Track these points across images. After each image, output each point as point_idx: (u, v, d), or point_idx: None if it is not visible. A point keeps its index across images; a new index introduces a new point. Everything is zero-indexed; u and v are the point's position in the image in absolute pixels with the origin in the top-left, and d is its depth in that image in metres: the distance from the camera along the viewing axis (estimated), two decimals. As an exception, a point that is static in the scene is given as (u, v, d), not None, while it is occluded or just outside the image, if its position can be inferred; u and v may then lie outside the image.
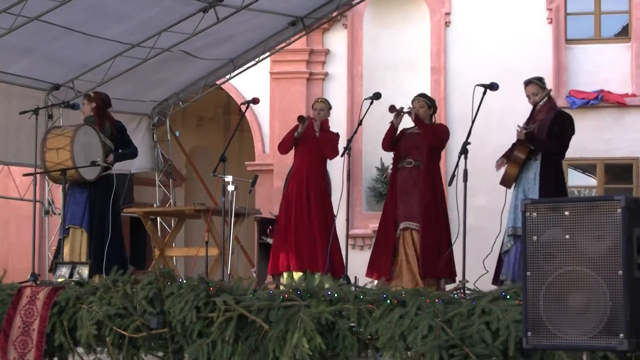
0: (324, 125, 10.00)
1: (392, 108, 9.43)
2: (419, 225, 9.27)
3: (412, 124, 9.59)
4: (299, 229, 9.72)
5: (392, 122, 9.51)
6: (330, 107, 10.16)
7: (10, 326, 7.61)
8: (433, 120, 9.67)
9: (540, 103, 8.94)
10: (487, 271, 8.18)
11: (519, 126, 8.78)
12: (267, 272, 10.11)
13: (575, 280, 4.85)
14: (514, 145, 8.95)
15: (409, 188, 9.40)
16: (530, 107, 9.14)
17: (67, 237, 9.66)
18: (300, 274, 9.53)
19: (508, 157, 8.94)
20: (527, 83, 9.05)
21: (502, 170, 9.03)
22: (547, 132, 8.78)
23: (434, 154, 9.48)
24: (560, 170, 8.99)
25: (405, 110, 9.48)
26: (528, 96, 9.03)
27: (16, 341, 7.56)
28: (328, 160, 10.35)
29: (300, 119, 9.84)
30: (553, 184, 8.81)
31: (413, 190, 9.37)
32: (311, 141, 9.83)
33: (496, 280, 8.85)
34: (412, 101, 9.61)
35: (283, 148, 10.05)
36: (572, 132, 9.01)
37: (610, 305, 4.72)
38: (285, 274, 9.76)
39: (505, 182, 8.94)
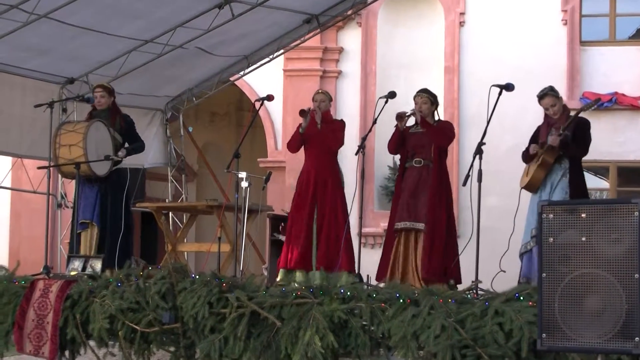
0: (327, 116, 9.95)
1: (399, 116, 9.40)
2: (425, 226, 9.23)
3: (415, 121, 9.54)
4: (308, 225, 9.69)
5: (397, 125, 9.47)
6: (330, 98, 10.08)
7: (24, 319, 7.63)
8: (436, 116, 9.60)
9: (560, 112, 8.99)
10: (504, 271, 8.15)
11: (550, 136, 8.76)
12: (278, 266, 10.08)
13: (591, 283, 4.85)
14: (542, 145, 8.94)
15: (418, 187, 9.37)
16: (541, 109, 9.16)
17: (84, 231, 9.68)
18: (301, 271, 9.57)
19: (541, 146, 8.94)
20: (543, 96, 9.04)
21: (519, 167, 9.04)
22: (571, 138, 8.81)
23: (442, 152, 9.44)
24: (582, 174, 9.07)
25: (408, 113, 9.44)
26: (546, 109, 9.02)
27: (31, 334, 7.58)
28: (340, 158, 10.34)
29: (302, 112, 9.81)
30: (582, 186, 8.92)
31: (422, 189, 9.34)
32: (316, 136, 9.79)
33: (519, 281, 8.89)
34: (415, 97, 9.53)
35: (291, 147, 10.01)
36: (590, 135, 9.07)
37: (626, 308, 4.72)
38: (281, 270, 9.75)
39: (531, 186, 8.95)
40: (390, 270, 9.29)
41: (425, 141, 9.41)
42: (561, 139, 8.72)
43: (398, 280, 9.07)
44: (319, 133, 9.77)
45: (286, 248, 9.79)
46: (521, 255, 8.97)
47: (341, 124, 9.99)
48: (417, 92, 9.59)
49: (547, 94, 9.00)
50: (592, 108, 8.83)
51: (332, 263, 9.39)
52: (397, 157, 14.05)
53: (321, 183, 9.74)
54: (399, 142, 9.53)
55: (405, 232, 9.36)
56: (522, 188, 9.04)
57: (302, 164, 11.64)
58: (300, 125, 9.83)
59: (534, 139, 9.21)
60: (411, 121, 9.58)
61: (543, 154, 8.85)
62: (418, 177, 9.40)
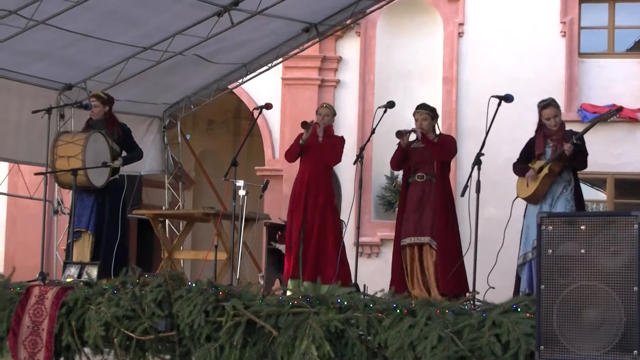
0: (329, 130, 9.94)
1: (398, 134, 9.39)
2: (435, 242, 9.19)
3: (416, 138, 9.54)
4: (298, 236, 9.69)
5: (399, 143, 9.46)
6: (334, 113, 10.09)
7: (19, 325, 7.59)
8: (437, 130, 9.59)
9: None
10: (493, 287, 8.13)
11: (566, 143, 8.72)
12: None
13: (589, 295, 4.84)
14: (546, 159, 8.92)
15: (422, 202, 9.34)
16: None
17: (77, 240, 9.66)
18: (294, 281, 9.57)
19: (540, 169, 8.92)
20: (546, 106, 8.95)
21: (513, 182, 9.01)
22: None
23: (445, 166, 9.43)
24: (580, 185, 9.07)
25: (409, 130, 9.43)
26: (547, 118, 8.96)
27: (25, 341, 7.55)
28: (338, 167, 10.33)
29: (304, 124, 9.79)
30: (582, 198, 8.94)
31: (426, 204, 9.31)
32: (314, 147, 9.79)
33: (517, 293, 8.85)
34: (414, 114, 9.54)
35: (290, 156, 10.01)
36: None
37: (625, 320, 4.71)
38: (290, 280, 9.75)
39: (534, 197, 8.90)
40: (404, 284, 9.28)
41: (427, 156, 9.39)
42: (574, 148, 8.68)
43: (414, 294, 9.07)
44: (319, 145, 9.76)
45: (286, 258, 9.81)
46: (520, 266, 8.92)
47: (341, 140, 9.98)
48: (416, 108, 9.58)
49: (550, 104, 8.95)
50: (612, 118, 8.80)
51: (319, 274, 9.37)
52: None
53: (313, 194, 9.73)
54: (401, 159, 9.52)
55: (410, 247, 9.35)
56: (523, 199, 8.99)
57: (298, 172, 11.60)
58: (300, 135, 9.81)
59: (527, 151, 9.17)
60: (413, 135, 9.56)
61: (550, 164, 8.80)
62: (422, 192, 9.38)
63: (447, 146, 9.45)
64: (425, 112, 9.49)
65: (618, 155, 14.30)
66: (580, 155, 8.77)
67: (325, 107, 10.09)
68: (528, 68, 14.36)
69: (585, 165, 8.93)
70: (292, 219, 9.82)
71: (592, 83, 14.69)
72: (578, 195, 8.92)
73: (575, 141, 8.66)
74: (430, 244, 9.24)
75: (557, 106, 9.00)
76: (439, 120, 9.84)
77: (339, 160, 9.88)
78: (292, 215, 9.85)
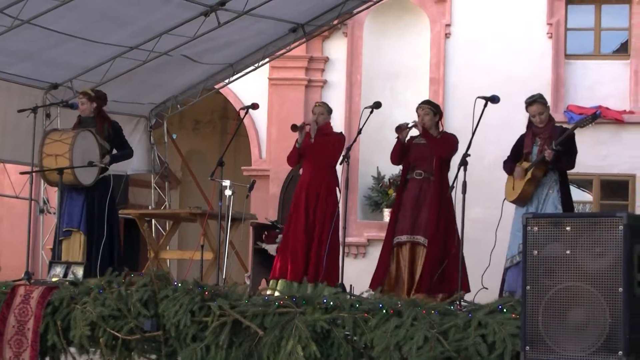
0: (326, 128, 9.90)
1: (397, 129, 9.36)
2: (426, 240, 9.18)
3: (418, 133, 9.50)
4: (296, 237, 9.66)
5: (398, 137, 9.43)
6: (330, 110, 10.02)
7: (4, 325, 7.58)
8: (440, 127, 9.56)
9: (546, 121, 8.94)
10: (486, 288, 8.14)
11: (545, 148, 8.71)
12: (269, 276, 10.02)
13: (575, 296, 4.85)
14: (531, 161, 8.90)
15: (419, 200, 9.31)
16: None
17: (66, 239, 9.64)
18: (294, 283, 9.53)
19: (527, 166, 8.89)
20: (531, 102, 8.93)
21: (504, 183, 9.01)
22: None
23: (444, 165, 9.35)
24: (569, 186, 9.05)
25: (410, 124, 9.40)
26: (533, 115, 8.95)
27: (11, 340, 7.53)
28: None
29: (294, 127, 9.74)
30: (570, 200, 8.89)
31: (423, 202, 9.28)
32: (309, 148, 9.75)
33: (501, 295, 8.83)
34: (417, 109, 9.48)
35: (290, 161, 9.95)
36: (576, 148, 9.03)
37: (610, 322, 4.72)
38: (280, 281, 9.70)
39: (520, 200, 8.89)
40: (386, 281, 9.24)
41: (426, 153, 9.34)
42: (555, 154, 8.68)
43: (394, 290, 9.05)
44: (313, 146, 9.71)
45: (281, 259, 9.74)
46: (506, 269, 8.91)
47: (339, 137, 9.89)
48: (420, 103, 9.53)
49: (536, 101, 8.92)
50: (590, 125, 8.75)
51: (321, 275, 9.36)
52: (382, 167, 14.22)
53: (313, 196, 9.68)
54: (401, 153, 9.46)
55: (403, 245, 9.32)
56: (510, 202, 8.99)
57: (286, 173, 11.64)
58: (297, 140, 9.77)
59: (517, 148, 9.17)
60: (415, 132, 9.53)
61: (533, 168, 8.80)
62: (418, 190, 9.33)
63: (447, 143, 9.37)
64: (428, 107, 9.45)
65: (604, 157, 14.33)
66: (564, 157, 8.75)
67: (319, 105, 10.03)
68: (515, 69, 14.37)
69: (572, 166, 8.89)
70: (294, 220, 9.76)
71: (578, 84, 14.73)
72: (566, 196, 8.90)
73: (554, 147, 8.66)
74: (424, 244, 9.21)
75: (543, 103, 8.96)
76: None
77: (338, 156, 9.64)
78: (293, 217, 9.79)
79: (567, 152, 8.79)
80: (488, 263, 8.26)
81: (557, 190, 8.80)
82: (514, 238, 8.81)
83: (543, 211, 8.69)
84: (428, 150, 9.33)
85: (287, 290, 9.18)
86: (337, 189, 9.80)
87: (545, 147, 8.72)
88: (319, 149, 9.71)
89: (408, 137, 9.47)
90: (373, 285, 9.15)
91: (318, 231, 9.60)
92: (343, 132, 10.28)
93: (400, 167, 9.75)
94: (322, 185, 9.69)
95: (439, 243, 9.09)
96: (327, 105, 10.10)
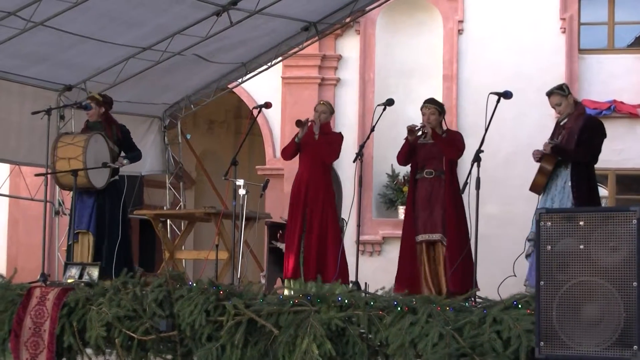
0: (326, 128, 9.90)
1: (410, 130, 9.31)
2: (446, 239, 9.13)
3: (424, 134, 9.47)
4: (298, 235, 9.69)
5: (407, 138, 9.41)
6: (332, 110, 10.05)
7: (21, 327, 7.60)
8: (444, 126, 9.55)
9: (568, 111, 8.81)
10: (516, 275, 8.10)
11: (546, 142, 8.64)
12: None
13: (589, 291, 4.83)
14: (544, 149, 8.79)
15: (431, 199, 9.29)
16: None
17: (76, 242, 9.67)
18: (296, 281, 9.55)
19: (542, 157, 8.76)
20: (549, 94, 8.81)
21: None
22: (576, 141, 8.58)
23: (453, 162, 9.33)
24: (592, 176, 8.75)
25: (418, 127, 9.37)
26: (553, 107, 8.88)
27: (27, 342, 7.55)
28: (339, 166, 10.31)
29: (299, 123, 9.77)
30: (586, 189, 8.61)
31: (435, 201, 9.26)
32: (311, 145, 9.77)
33: None
34: (422, 108, 9.46)
35: (285, 154, 10.01)
36: (603, 136, 8.81)
37: (625, 316, 4.70)
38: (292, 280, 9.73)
39: (535, 189, 8.82)
40: (417, 281, 9.22)
41: (435, 152, 9.30)
42: (552, 146, 8.61)
43: (425, 291, 9.01)
44: (315, 143, 9.74)
45: (285, 257, 9.78)
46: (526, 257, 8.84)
47: (339, 137, 9.93)
48: (424, 102, 9.49)
49: (554, 92, 8.78)
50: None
51: (321, 273, 9.34)
52: (397, 164, 14.19)
53: (312, 193, 9.70)
54: (409, 154, 9.45)
55: (422, 243, 9.31)
56: (529, 190, 8.89)
57: (299, 171, 11.54)
58: (297, 134, 9.80)
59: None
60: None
61: (541, 160, 8.74)
62: (430, 189, 9.31)
63: (455, 143, 9.34)
64: (434, 106, 9.40)
65: (619, 151, 14.26)
66: (569, 150, 8.61)
67: (321, 104, 10.06)
68: (528, 65, 14.33)
69: (582, 157, 8.61)
70: (292, 218, 9.81)
71: (592, 79, 14.66)
72: (585, 189, 8.67)
73: (549, 141, 8.59)
74: (442, 241, 9.18)
75: (561, 93, 8.77)
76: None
77: (335, 157, 9.80)
78: (291, 214, 9.84)
79: (583, 142, 8.65)
80: (523, 250, 8.18)
81: (569, 184, 8.69)
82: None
83: (557, 203, 8.57)
84: (436, 149, 9.31)
85: (300, 288, 9.19)
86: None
87: (567, 135, 8.61)
88: (321, 147, 9.73)
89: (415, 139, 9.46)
90: (400, 287, 9.07)
91: (318, 229, 9.61)
92: (356, 130, 10.25)
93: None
94: (321, 182, 9.71)
95: (460, 241, 9.06)
96: (331, 105, 10.13)
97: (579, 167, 8.65)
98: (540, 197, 8.81)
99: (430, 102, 9.50)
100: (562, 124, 8.81)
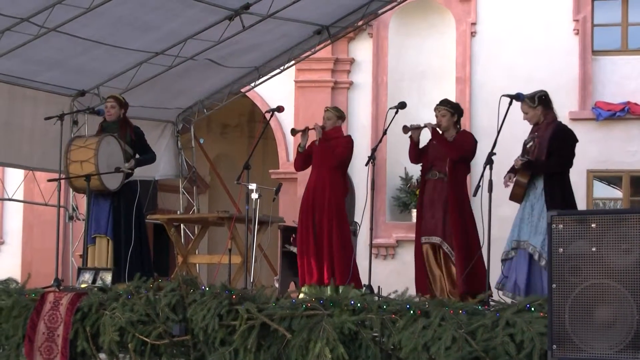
0: (333, 132, 9.86)
1: (404, 129, 9.31)
2: (442, 241, 9.16)
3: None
4: (305, 241, 9.69)
5: (410, 136, 9.41)
6: (339, 115, 9.95)
7: (34, 332, 7.62)
8: (459, 127, 9.50)
9: (535, 120, 8.77)
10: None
11: (517, 158, 8.60)
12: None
13: (601, 293, 4.82)
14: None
15: (434, 201, 9.28)
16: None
17: (93, 245, 9.69)
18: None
19: (515, 172, 8.74)
20: (521, 100, 8.51)
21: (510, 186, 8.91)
22: (546, 151, 8.54)
23: (458, 165, 9.23)
24: (565, 185, 8.65)
25: (422, 126, 9.35)
26: (523, 112, 8.83)
27: (41, 347, 7.57)
28: (351, 169, 10.29)
29: (293, 131, 9.82)
30: (559, 200, 8.48)
31: (437, 203, 9.25)
32: (316, 152, 9.79)
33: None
34: (434, 110, 9.46)
35: (296, 166, 10.08)
36: (573, 142, 8.74)
37: (637, 319, 4.68)
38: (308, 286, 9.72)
39: (514, 198, 8.79)
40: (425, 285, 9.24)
41: (442, 153, 9.28)
42: (522, 163, 8.58)
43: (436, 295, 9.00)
44: (318, 149, 9.74)
45: (302, 265, 9.79)
46: (502, 261, 8.78)
47: (346, 140, 9.88)
48: (437, 104, 9.45)
49: (523, 101, 8.60)
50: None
51: (331, 277, 9.35)
52: (410, 168, 14.18)
53: (319, 198, 9.68)
54: (415, 152, 9.46)
55: (425, 246, 9.31)
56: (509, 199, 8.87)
57: (313, 175, 11.54)
58: (299, 144, 9.82)
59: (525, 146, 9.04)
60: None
61: (517, 174, 8.68)
62: (433, 191, 9.32)
63: (460, 144, 9.25)
64: (445, 108, 9.35)
65: (633, 153, 14.21)
66: (539, 164, 8.53)
67: (327, 110, 10.04)
68: (541, 67, 14.29)
69: (555, 168, 8.55)
70: (302, 224, 9.80)
71: (606, 80, 14.61)
72: (558, 197, 8.60)
73: (522, 157, 8.55)
74: (442, 245, 9.18)
75: (529, 104, 8.66)
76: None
77: (340, 158, 9.68)
78: (301, 220, 9.83)
79: (554, 151, 8.60)
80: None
81: (543, 194, 8.61)
82: (511, 234, 8.68)
83: (536, 209, 8.52)
84: (443, 149, 9.28)
85: (313, 293, 9.19)
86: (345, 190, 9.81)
87: (537, 145, 8.57)
88: (326, 152, 9.71)
89: (418, 137, 9.43)
90: (419, 290, 9.07)
91: (327, 232, 9.60)
92: (369, 134, 10.24)
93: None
94: (327, 187, 9.66)
95: (468, 245, 9.03)
96: (338, 110, 10.05)
97: (552, 179, 8.60)
98: (521, 204, 8.78)
99: (442, 103, 9.46)
100: (530, 135, 8.77)
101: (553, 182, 8.58)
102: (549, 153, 8.56)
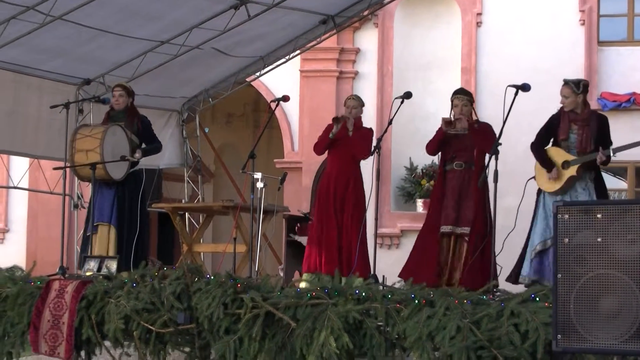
0: (358, 123, 9.86)
1: (446, 123, 9.23)
2: (471, 230, 9.12)
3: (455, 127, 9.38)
4: (326, 230, 9.65)
5: (440, 127, 9.32)
6: (363, 104, 10.01)
7: (40, 319, 7.63)
8: (474, 115, 9.49)
9: (572, 107, 8.77)
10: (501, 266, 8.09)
11: (602, 152, 8.52)
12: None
13: (606, 284, 4.81)
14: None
15: (461, 191, 9.24)
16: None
17: (95, 233, 9.70)
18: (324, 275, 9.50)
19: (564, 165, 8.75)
20: (565, 83, 8.78)
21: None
22: (595, 140, 8.63)
23: (483, 155, 9.18)
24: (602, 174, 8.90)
25: (453, 118, 9.31)
26: (562, 96, 8.84)
27: (46, 335, 7.58)
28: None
29: (335, 119, 9.75)
30: (604, 188, 8.76)
31: (465, 195, 9.21)
32: (343, 141, 9.72)
33: (515, 279, 8.76)
34: (452, 99, 9.35)
35: (318, 148, 9.92)
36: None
37: (643, 309, 4.68)
38: (305, 275, 9.70)
39: (562, 191, 8.73)
40: (438, 274, 9.18)
41: (467, 144, 9.26)
42: (607, 157, 8.55)
43: (443, 285, 8.95)
44: (348, 139, 9.70)
45: (314, 252, 9.72)
46: (539, 252, 8.77)
47: (370, 133, 9.87)
48: (454, 93, 9.44)
49: (567, 84, 8.74)
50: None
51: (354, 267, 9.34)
52: (415, 157, 14.19)
53: (342, 187, 9.66)
54: (440, 144, 9.41)
55: (446, 236, 9.28)
56: (549, 192, 8.83)
57: (318, 165, 11.56)
58: (330, 128, 9.74)
59: (547, 131, 9.00)
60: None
61: (578, 166, 8.63)
62: (461, 181, 9.27)
63: (488, 135, 9.18)
64: (466, 97, 9.38)
65: (639, 144, 14.18)
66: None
67: (353, 98, 10.00)
68: (547, 57, 14.28)
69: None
70: (321, 212, 9.74)
71: (611, 71, 14.60)
72: (602, 186, 8.76)
73: (613, 154, 8.54)
74: (466, 237, 9.15)
75: (573, 89, 8.74)
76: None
77: (368, 153, 9.49)
78: (322, 210, 9.76)
79: (604, 138, 8.68)
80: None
81: (592, 182, 8.66)
82: (548, 223, 8.66)
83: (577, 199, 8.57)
84: (468, 140, 9.24)
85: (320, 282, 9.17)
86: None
87: (600, 149, 8.54)
88: (353, 142, 9.68)
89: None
90: (427, 279, 9.01)
91: (347, 223, 9.57)
92: (375, 124, 10.23)
93: (434, 157, 9.68)
94: (351, 178, 9.67)
95: (483, 234, 9.01)
96: (361, 99, 10.06)
97: (598, 169, 8.68)
98: (552, 197, 8.77)
99: (461, 92, 9.47)
100: (566, 124, 8.76)
101: (599, 174, 8.77)
102: (597, 142, 8.60)
